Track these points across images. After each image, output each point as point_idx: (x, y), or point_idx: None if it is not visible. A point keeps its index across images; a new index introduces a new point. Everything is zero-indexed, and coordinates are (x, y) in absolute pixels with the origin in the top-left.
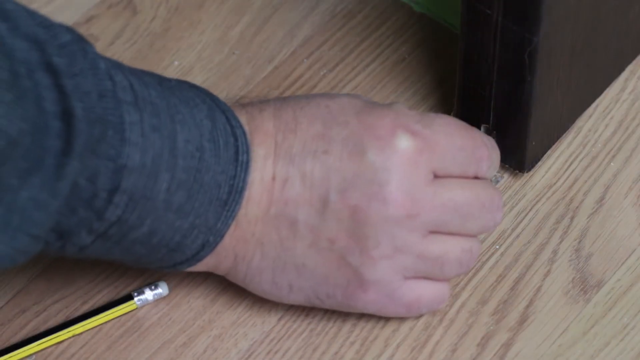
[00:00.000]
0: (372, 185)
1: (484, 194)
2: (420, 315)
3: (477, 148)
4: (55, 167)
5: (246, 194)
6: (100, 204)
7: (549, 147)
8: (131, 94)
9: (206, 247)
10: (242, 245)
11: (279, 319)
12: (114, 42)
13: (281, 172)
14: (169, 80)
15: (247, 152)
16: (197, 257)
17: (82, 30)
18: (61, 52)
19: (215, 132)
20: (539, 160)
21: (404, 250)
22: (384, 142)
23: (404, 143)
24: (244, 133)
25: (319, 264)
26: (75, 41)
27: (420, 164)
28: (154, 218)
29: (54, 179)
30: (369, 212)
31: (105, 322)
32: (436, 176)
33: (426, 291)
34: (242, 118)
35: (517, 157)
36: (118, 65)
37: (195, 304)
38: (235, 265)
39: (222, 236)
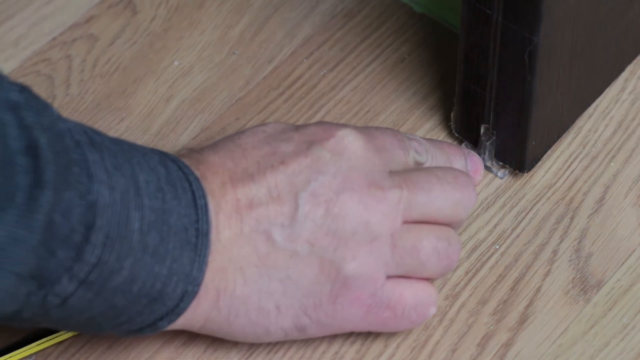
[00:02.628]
0: (337, 177)
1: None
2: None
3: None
4: (28, 200)
5: (214, 224)
6: (78, 240)
7: (549, 147)
8: (86, 137)
9: (186, 297)
10: (221, 276)
11: None
12: (114, 42)
13: (244, 193)
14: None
15: (204, 196)
16: (177, 309)
17: (82, 30)
18: (20, 92)
19: (170, 178)
20: (539, 160)
21: (379, 238)
22: (334, 137)
23: (350, 135)
24: (196, 178)
25: (303, 272)
26: (28, 89)
27: (373, 158)
28: (132, 261)
29: (28, 212)
30: (341, 203)
31: None
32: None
33: (408, 289)
34: (189, 164)
35: (517, 157)
36: (65, 118)
37: None
38: (217, 302)
39: (199, 285)
